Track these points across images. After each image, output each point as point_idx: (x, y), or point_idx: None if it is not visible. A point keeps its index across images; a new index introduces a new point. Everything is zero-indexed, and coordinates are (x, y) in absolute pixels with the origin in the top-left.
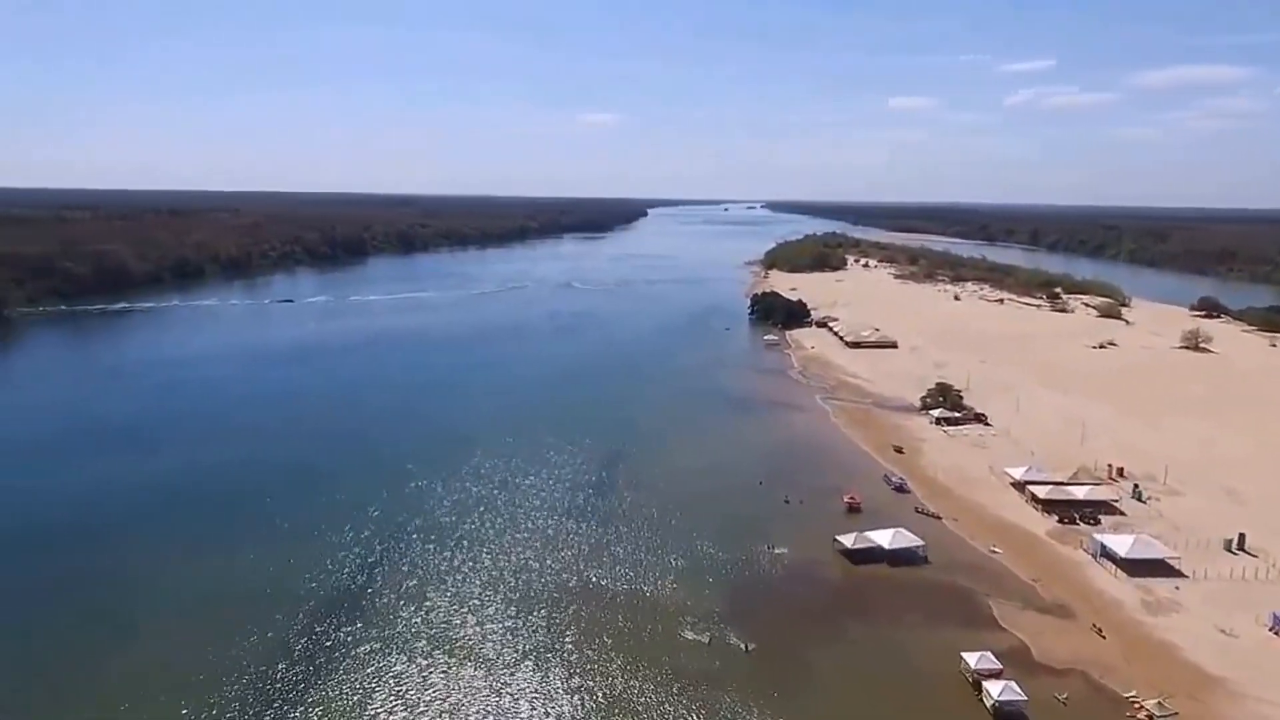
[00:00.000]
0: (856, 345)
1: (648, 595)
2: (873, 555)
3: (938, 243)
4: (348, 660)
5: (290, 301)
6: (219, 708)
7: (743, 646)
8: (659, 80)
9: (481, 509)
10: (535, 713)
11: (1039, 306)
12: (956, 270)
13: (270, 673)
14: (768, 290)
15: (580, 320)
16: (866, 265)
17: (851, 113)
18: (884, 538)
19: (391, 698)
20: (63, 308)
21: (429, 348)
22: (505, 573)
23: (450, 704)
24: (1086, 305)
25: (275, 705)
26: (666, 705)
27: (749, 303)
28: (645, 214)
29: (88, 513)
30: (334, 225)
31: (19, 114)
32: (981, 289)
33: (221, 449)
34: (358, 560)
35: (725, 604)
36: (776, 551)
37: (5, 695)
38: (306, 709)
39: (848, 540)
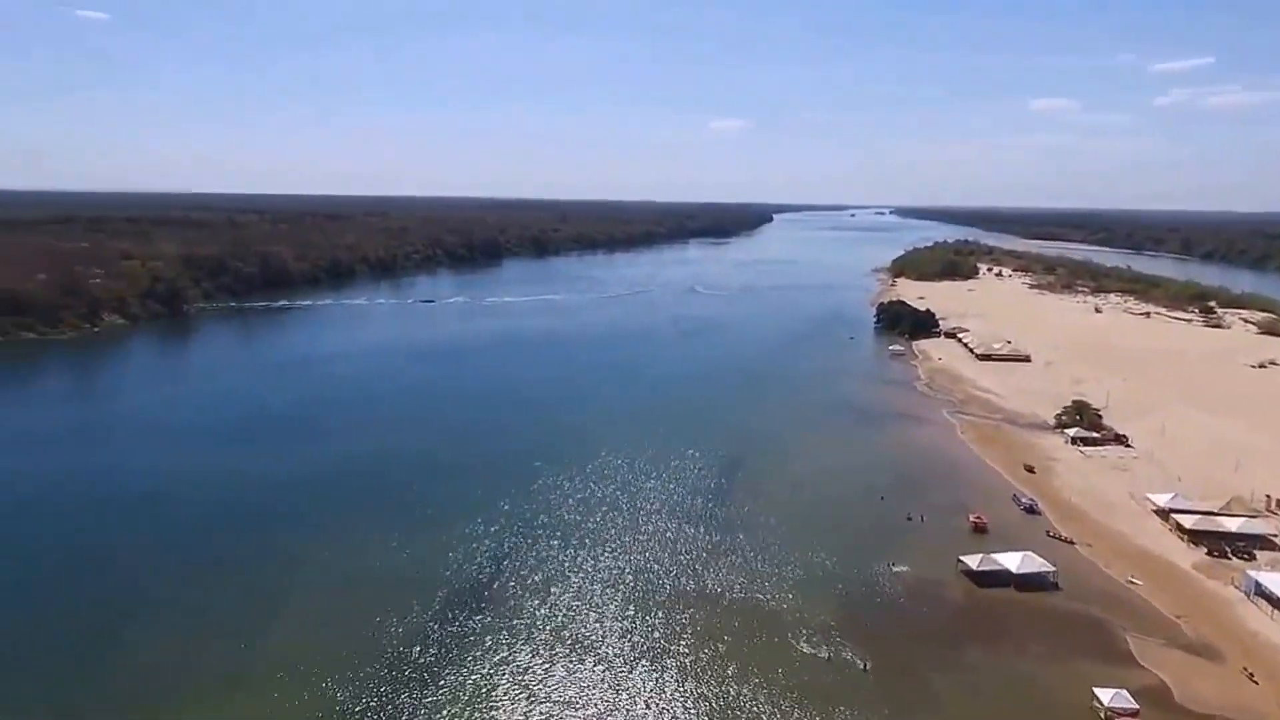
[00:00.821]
0: (987, 358)
1: (764, 605)
2: (999, 579)
3: (1077, 251)
4: (477, 649)
5: (431, 302)
6: (361, 683)
7: (860, 664)
8: (787, 85)
9: (605, 509)
10: (650, 713)
11: (1190, 322)
12: (1098, 280)
13: (407, 654)
14: (894, 299)
15: (704, 325)
16: (999, 274)
17: (989, 115)
18: (1012, 561)
19: (516, 688)
20: (232, 304)
21: (558, 349)
22: (625, 573)
23: (569, 697)
24: (1245, 321)
25: (411, 685)
26: (778, 718)
27: (875, 311)
28: (770, 219)
29: (247, 495)
30: (472, 229)
31: (218, 119)
32: (1125, 301)
33: (368, 439)
34: (489, 552)
35: (842, 619)
36: (897, 569)
37: (176, 663)
38: (438, 691)
39: (973, 562)
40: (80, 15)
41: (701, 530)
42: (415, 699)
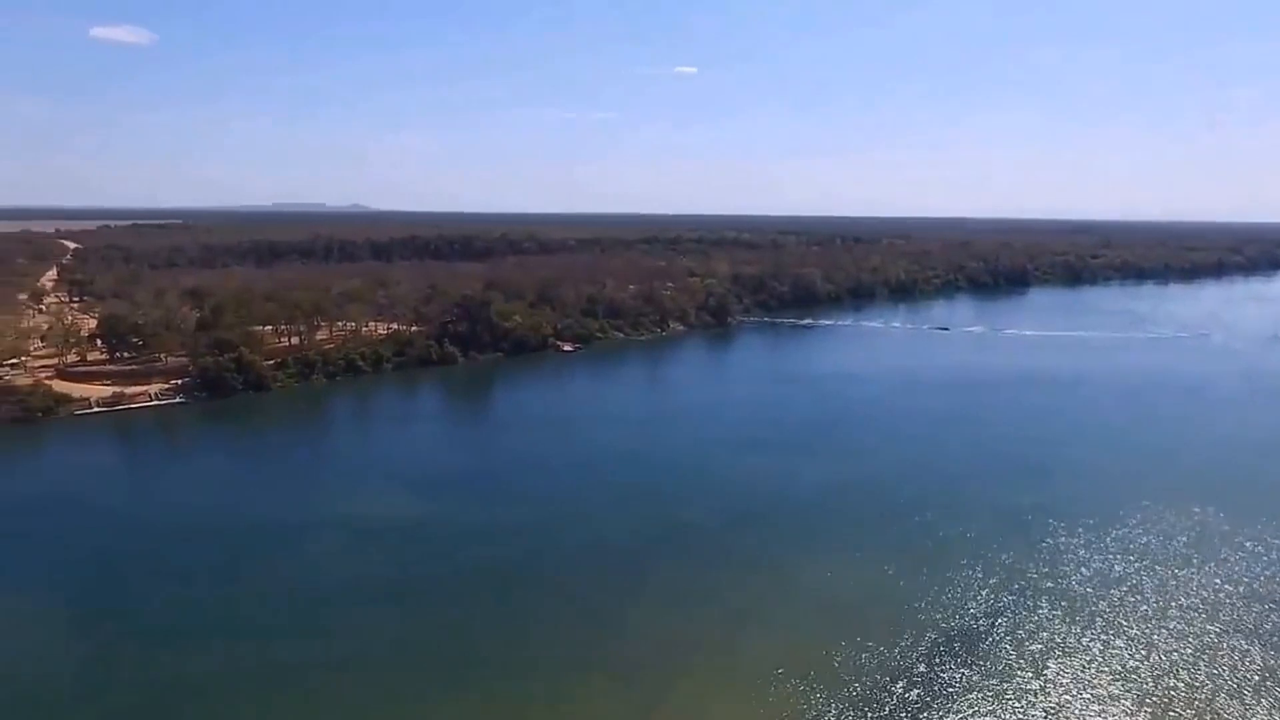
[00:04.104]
0: None
1: None
2: None
3: None
4: (961, 703)
5: (946, 329)
6: (840, 703)
7: None
8: None
9: (1124, 588)
10: None
11: None
12: None
13: (886, 685)
14: None
15: None
16: None
17: None
18: None
19: None
20: (766, 319)
21: (1080, 390)
22: (1142, 672)
23: None
24: None
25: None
26: None
27: None
28: None
29: (758, 492)
30: (997, 254)
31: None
32: None
33: (875, 459)
34: (984, 604)
35: None
36: None
37: (655, 658)
38: None
39: None
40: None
41: (1264, 651)
42: None
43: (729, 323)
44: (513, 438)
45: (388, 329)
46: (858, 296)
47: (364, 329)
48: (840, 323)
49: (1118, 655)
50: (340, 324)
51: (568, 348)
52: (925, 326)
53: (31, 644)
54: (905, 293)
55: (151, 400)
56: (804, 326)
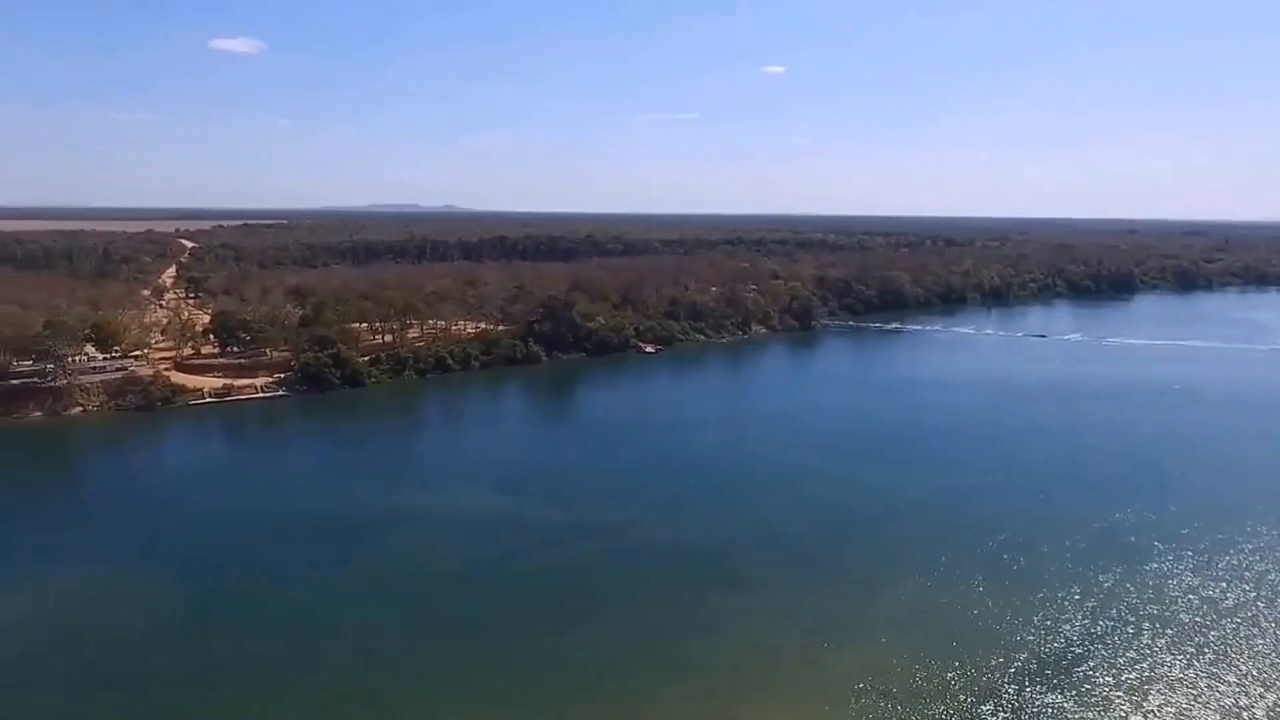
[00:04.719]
0: None
1: None
2: None
3: None
4: None
5: (1043, 337)
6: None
7: None
8: None
9: (1238, 619)
10: None
11: None
12: None
13: (972, 707)
14: None
15: None
16: None
17: None
18: None
19: None
20: (851, 323)
21: (1187, 409)
22: (1257, 714)
23: None
24: None
25: None
26: None
27: None
28: None
29: (828, 509)
30: (1100, 257)
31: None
32: None
33: (961, 472)
34: (1080, 628)
35: None
36: None
37: (753, 664)
38: None
39: None
40: None
41: None
42: None
43: (813, 326)
44: (595, 438)
45: (476, 328)
46: (948, 301)
47: (453, 327)
48: (929, 328)
49: (1227, 691)
50: (431, 322)
51: (649, 349)
52: (1020, 334)
53: (143, 607)
54: (999, 297)
55: (257, 393)
56: (891, 331)
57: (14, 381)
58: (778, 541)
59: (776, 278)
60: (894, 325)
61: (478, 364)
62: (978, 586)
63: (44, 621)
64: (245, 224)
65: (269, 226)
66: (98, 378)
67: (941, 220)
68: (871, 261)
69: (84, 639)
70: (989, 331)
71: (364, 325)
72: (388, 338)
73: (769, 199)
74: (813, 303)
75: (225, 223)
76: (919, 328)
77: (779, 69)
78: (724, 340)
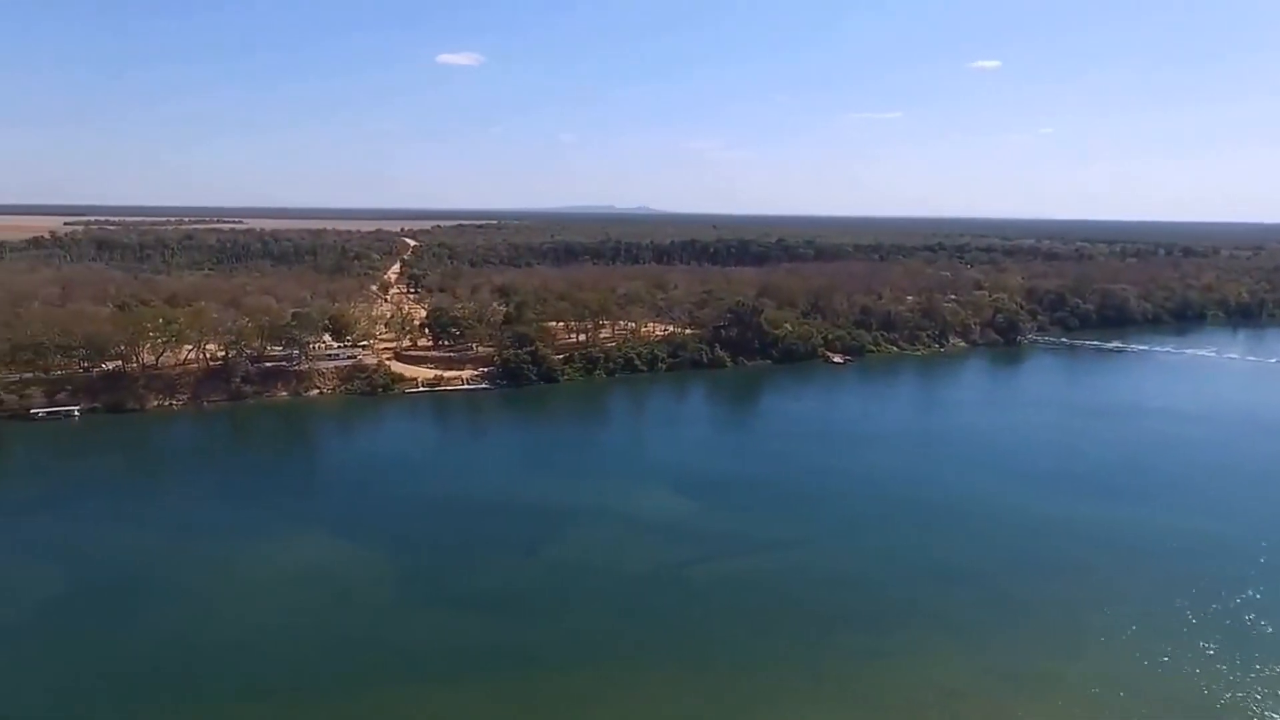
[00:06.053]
0: None
1: None
2: None
3: None
4: None
5: None
6: None
7: None
8: None
9: None
10: None
11: None
12: None
13: None
14: None
15: None
16: None
17: None
18: None
19: None
20: (1063, 340)
21: None
22: None
23: None
24: None
25: None
26: None
27: None
28: None
29: (1027, 543)
30: None
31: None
32: None
33: (1187, 514)
34: None
35: None
36: None
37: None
38: None
39: None
40: None
41: None
42: None
43: (1019, 341)
44: (775, 448)
45: (664, 330)
46: (1183, 319)
47: (643, 329)
48: (1157, 349)
49: None
50: (621, 323)
51: (838, 359)
52: (1275, 359)
53: (368, 576)
54: (1248, 316)
55: (463, 384)
56: (1110, 351)
57: (267, 364)
58: (967, 575)
59: (980, 288)
60: (1114, 344)
61: (664, 366)
62: (1207, 649)
63: (311, 578)
64: (459, 224)
65: (479, 227)
66: (331, 364)
67: (1177, 226)
68: (1091, 272)
69: (344, 597)
70: (1233, 355)
71: (560, 324)
72: (581, 337)
73: (977, 203)
74: (1019, 316)
75: (442, 223)
76: (1145, 348)
77: (993, 64)
78: (918, 353)
